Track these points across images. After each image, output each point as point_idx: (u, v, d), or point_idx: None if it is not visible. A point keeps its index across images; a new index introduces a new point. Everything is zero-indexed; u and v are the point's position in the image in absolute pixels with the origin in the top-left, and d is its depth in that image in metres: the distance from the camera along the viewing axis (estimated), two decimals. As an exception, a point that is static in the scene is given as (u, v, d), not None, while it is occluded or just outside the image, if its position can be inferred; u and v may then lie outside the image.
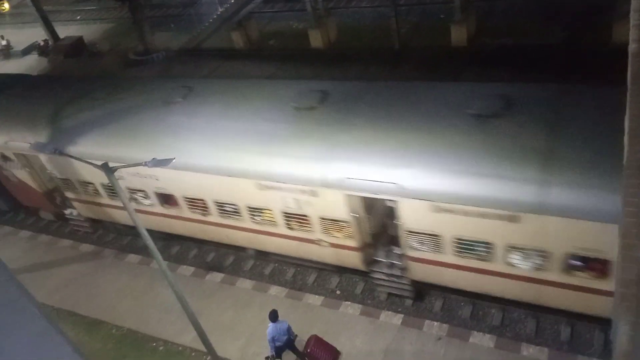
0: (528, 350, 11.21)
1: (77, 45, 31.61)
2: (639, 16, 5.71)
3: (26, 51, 33.56)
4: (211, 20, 26.46)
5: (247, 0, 24.92)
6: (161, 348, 13.51)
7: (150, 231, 9.78)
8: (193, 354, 13.10)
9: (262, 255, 14.84)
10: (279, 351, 11.43)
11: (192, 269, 15.46)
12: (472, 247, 10.52)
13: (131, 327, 14.18)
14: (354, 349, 12.08)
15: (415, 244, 11.22)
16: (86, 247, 17.40)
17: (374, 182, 10.61)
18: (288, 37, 26.97)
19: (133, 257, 16.43)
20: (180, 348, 13.32)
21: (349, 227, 11.74)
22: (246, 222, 13.19)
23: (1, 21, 39.08)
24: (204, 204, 13.45)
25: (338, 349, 11.88)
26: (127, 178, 13.74)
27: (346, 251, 12.37)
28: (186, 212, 14.01)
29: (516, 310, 11.98)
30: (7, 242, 18.41)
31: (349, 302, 13.27)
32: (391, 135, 10.96)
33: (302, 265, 14.26)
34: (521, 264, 10.22)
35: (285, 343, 11.40)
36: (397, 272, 12.33)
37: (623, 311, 3.97)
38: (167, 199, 14.12)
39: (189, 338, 13.09)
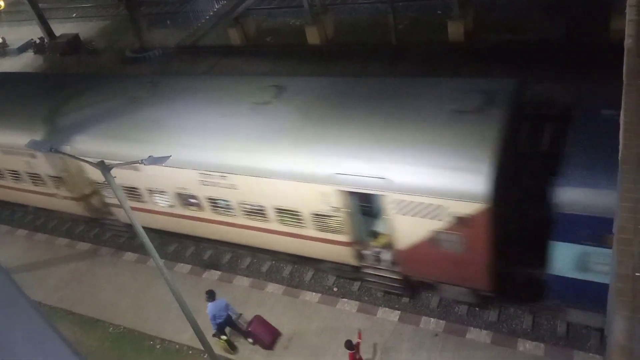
0: (525, 345, 11.24)
1: (73, 43, 31.48)
2: (635, 12, 5.70)
3: (22, 49, 33.43)
4: (208, 17, 26.39)
5: (244, -3, 24.86)
6: (158, 346, 13.50)
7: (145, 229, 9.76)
8: (190, 352, 13.10)
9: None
10: (221, 328, 12.21)
11: (189, 266, 15.45)
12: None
13: (128, 325, 14.17)
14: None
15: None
16: (83, 246, 17.36)
17: None
18: (285, 33, 26.88)
19: (130, 256, 16.40)
20: (177, 346, 13.32)
21: None
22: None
23: (-4, 19, 38.93)
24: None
25: (280, 330, 12.70)
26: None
27: None
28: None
29: (513, 306, 11.99)
30: (4, 241, 18.37)
31: (346, 299, 13.27)
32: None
33: (299, 263, 14.25)
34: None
35: (225, 320, 12.15)
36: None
37: (618, 306, 3.96)
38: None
39: (186, 336, 13.08)
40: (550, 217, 9.21)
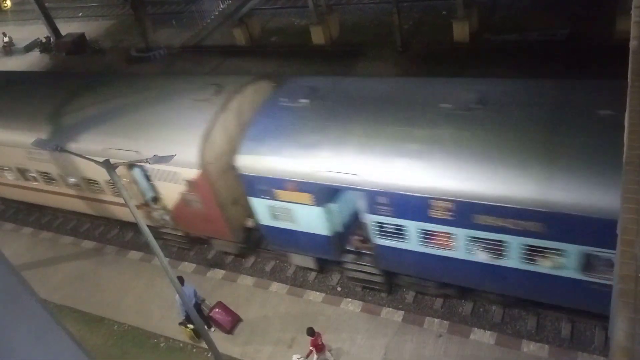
0: (529, 347, 11.22)
1: (79, 42, 31.61)
2: (639, 13, 5.70)
3: (28, 48, 33.59)
4: (213, 17, 26.51)
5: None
6: (162, 344, 13.56)
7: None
8: (194, 350, 13.14)
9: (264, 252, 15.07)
10: (188, 316, 12.07)
11: (193, 265, 15.50)
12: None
13: (133, 323, 14.24)
14: (355, 346, 12.10)
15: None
16: (88, 244, 17.45)
17: None
18: (290, 33, 26.91)
19: (134, 254, 16.47)
20: (181, 345, 13.36)
21: None
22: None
23: (3, 18, 39.12)
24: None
25: (241, 316, 13.44)
26: None
27: None
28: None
29: (517, 307, 11.97)
30: (10, 239, 18.48)
31: (350, 299, 13.28)
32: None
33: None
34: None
35: (194, 306, 12.24)
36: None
37: (621, 307, 3.96)
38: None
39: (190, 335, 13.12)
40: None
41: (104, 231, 17.77)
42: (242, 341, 12.95)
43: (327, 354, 11.92)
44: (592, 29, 19.63)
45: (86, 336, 14.17)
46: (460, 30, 21.46)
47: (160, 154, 9.23)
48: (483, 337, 11.66)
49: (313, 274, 14.19)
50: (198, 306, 12.68)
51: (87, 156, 9.76)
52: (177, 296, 11.74)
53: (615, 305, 4.19)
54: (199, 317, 11.81)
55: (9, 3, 35.22)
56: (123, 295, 15.09)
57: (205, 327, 12.33)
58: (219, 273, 15.02)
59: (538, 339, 11.37)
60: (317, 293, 13.69)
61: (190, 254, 15.94)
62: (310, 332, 11.43)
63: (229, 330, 13.11)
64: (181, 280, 11.98)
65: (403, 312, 12.62)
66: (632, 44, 5.39)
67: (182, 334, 13.13)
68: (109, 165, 8.73)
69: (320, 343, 11.64)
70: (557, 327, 11.48)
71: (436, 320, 12.23)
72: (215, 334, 12.81)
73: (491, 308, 12.19)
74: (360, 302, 13.13)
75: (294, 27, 27.59)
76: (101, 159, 9.18)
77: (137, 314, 14.41)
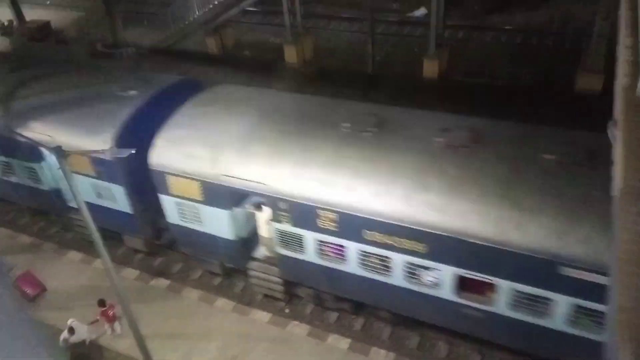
0: (475, 385, 11.21)
1: (43, 29, 30.44)
2: (631, 53, 5.95)
3: (-12, 29, 32.04)
4: (187, 23, 26.08)
5: (227, 8, 24.74)
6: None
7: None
8: (126, 362, 12.43)
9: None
10: None
11: (137, 272, 14.80)
12: None
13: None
14: (298, 371, 11.75)
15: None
16: (24, 239, 16.40)
17: None
18: (263, 49, 26.83)
19: (74, 255, 15.58)
20: (114, 354, 12.60)
21: None
22: None
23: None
24: None
25: (46, 286, 14.22)
26: None
27: None
28: None
29: (463, 344, 11.99)
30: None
31: (297, 322, 12.97)
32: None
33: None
34: None
35: None
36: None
37: (621, 339, 3.82)
38: None
39: (125, 345, 12.41)
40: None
41: (44, 226, 16.77)
42: (180, 355, 12.35)
43: (117, 325, 12.72)
44: (554, 80, 20.57)
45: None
46: (431, 68, 21.99)
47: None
48: (427, 371, 11.58)
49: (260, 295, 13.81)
50: None
51: (38, 141, 9.20)
52: None
53: (612, 337, 4.11)
54: None
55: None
56: (57, 297, 14.16)
57: None
58: (164, 282, 14.40)
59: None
60: (264, 313, 13.30)
61: (134, 260, 15.24)
62: (101, 302, 12.35)
63: (32, 299, 13.93)
64: None
65: (350, 340, 12.39)
66: (623, 81, 5.60)
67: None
68: (60, 153, 8.20)
69: (111, 314, 12.50)
70: (500, 367, 11.54)
71: (382, 351, 12.07)
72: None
73: (437, 343, 12.15)
74: (308, 326, 12.83)
75: (268, 43, 27.54)
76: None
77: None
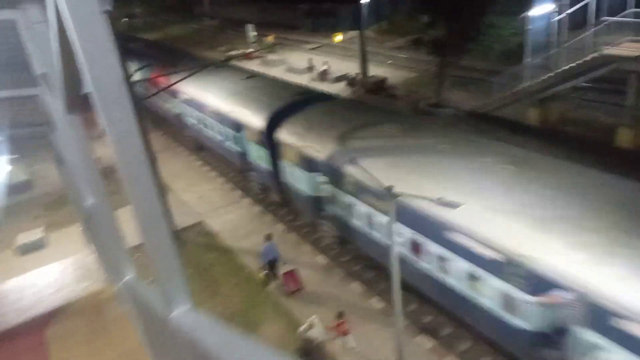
0: None
1: (379, 84, 34.75)
2: None
3: (338, 79, 38.39)
4: (514, 91, 25.76)
5: (560, 81, 23.42)
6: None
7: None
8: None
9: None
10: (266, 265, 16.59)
11: (405, 322, 14.78)
12: None
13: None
14: None
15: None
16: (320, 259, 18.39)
17: None
18: (591, 128, 24.30)
19: (356, 286, 16.63)
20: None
21: None
22: None
23: (331, 50, 45.78)
24: None
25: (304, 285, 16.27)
26: None
27: None
28: None
29: None
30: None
31: None
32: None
33: None
34: None
35: (272, 259, 16.45)
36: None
37: None
38: None
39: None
40: None
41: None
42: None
43: (350, 339, 13.56)
44: None
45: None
46: None
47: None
48: None
49: None
50: (274, 262, 16.42)
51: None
52: (263, 248, 16.52)
53: None
54: (270, 270, 16.38)
55: (339, 38, 40.99)
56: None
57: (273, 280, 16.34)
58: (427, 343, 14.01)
59: None
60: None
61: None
62: (340, 315, 13.47)
63: (291, 292, 16.05)
64: (268, 236, 16.68)
65: None
66: None
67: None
68: (390, 194, 8.78)
69: (346, 328, 13.45)
70: None
71: None
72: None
73: None
74: None
75: (597, 122, 24.83)
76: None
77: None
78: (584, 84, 24.94)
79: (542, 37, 25.95)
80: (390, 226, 8.83)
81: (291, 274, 16.42)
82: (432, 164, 14.08)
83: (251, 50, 48.62)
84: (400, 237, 13.10)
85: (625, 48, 20.89)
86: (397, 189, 10.66)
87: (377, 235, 14.89)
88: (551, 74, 23.53)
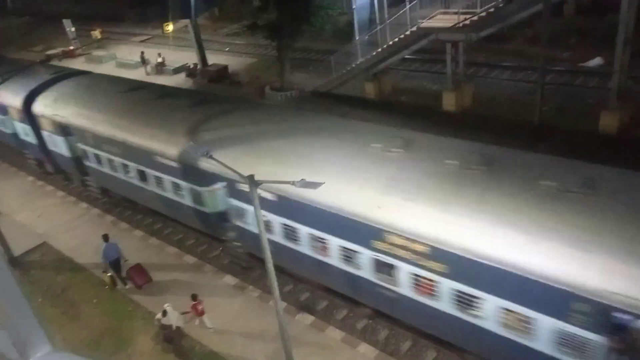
0: None
1: (221, 73, 34.15)
2: None
3: (177, 70, 36.81)
4: (348, 69, 27.17)
5: (388, 56, 25.30)
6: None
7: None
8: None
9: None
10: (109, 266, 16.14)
11: (283, 304, 15.09)
12: None
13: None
14: None
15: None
16: (189, 259, 17.80)
17: None
18: (420, 95, 26.82)
19: (229, 279, 16.46)
20: (194, 343, 12.85)
21: None
22: None
23: (164, 41, 43.58)
24: None
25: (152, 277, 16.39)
26: None
27: None
28: None
29: None
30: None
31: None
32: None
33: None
34: None
35: (114, 260, 16.07)
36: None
37: None
38: None
39: (208, 338, 12.57)
40: None
41: (206, 250, 18.12)
42: None
43: (206, 318, 14.18)
44: None
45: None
46: (609, 121, 19.89)
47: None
48: None
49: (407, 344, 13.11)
50: (117, 261, 16.13)
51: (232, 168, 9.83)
52: (102, 248, 15.95)
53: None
54: (114, 270, 16.14)
55: (170, 27, 39.15)
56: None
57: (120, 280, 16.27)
58: (309, 318, 14.47)
59: None
60: None
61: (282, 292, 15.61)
62: (194, 297, 14.01)
63: (140, 287, 16.12)
64: (106, 236, 16.24)
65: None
66: None
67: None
68: (252, 182, 8.70)
69: (200, 308, 14.05)
70: None
71: None
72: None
73: None
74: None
75: (424, 89, 27.51)
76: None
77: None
78: (409, 56, 27.28)
79: (367, 15, 27.76)
80: (258, 210, 8.97)
81: (136, 269, 16.46)
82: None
83: (71, 47, 44.49)
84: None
85: (439, 20, 23.27)
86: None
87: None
88: (379, 50, 25.31)
